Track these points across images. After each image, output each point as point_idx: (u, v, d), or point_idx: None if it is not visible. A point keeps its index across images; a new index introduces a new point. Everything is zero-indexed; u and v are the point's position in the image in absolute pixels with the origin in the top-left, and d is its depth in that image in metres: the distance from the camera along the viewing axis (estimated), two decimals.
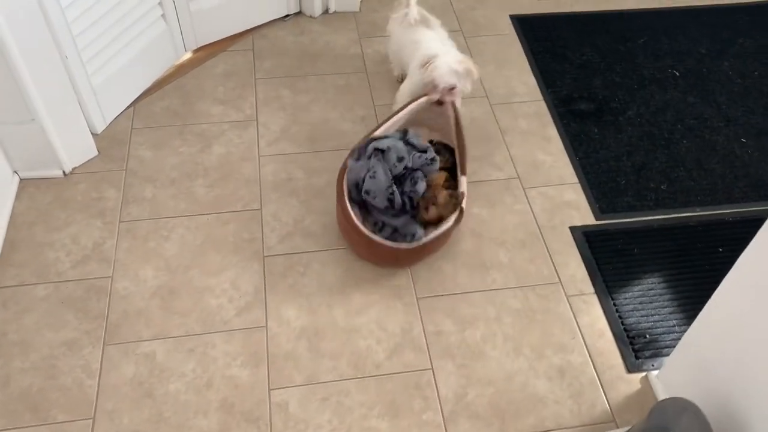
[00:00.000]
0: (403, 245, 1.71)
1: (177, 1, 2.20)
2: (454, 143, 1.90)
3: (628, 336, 1.68)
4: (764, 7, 2.66)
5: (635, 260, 1.84)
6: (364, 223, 1.74)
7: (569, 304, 1.74)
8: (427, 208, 1.76)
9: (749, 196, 2.00)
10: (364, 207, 1.79)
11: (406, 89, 2.05)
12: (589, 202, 1.98)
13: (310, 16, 2.56)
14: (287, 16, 2.55)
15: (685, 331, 1.68)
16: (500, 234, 1.89)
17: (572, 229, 1.91)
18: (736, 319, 1.30)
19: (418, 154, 1.80)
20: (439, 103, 1.94)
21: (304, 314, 1.69)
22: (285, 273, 1.77)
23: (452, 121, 1.92)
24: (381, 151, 1.77)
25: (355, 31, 2.52)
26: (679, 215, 1.95)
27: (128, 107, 2.18)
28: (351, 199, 1.76)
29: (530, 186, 2.02)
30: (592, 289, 1.77)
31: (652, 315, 1.72)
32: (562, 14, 2.61)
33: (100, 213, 1.89)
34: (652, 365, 1.63)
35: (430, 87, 1.92)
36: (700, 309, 1.72)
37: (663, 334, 1.68)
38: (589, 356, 1.65)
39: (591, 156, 2.10)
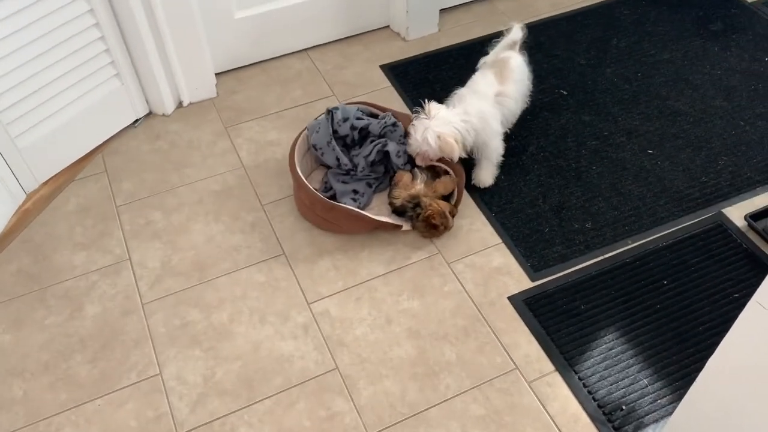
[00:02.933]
0: (336, 204, 1.84)
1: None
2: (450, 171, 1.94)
3: (604, 413, 1.52)
4: (623, 2, 2.62)
5: (585, 318, 1.69)
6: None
7: (533, 393, 1.56)
8: (393, 192, 1.88)
9: (674, 212, 1.91)
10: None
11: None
12: (520, 263, 1.81)
13: (163, 115, 2.26)
14: (137, 120, 2.23)
15: (657, 390, 1.55)
16: (439, 326, 1.69)
17: (511, 299, 1.74)
18: (724, 406, 1.16)
19: (375, 120, 1.98)
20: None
21: None
22: None
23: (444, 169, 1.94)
24: (330, 113, 1.96)
25: (218, 121, 2.24)
26: (613, 253, 1.83)
27: None
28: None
29: (454, 259, 1.83)
30: (551, 367, 1.61)
31: (621, 379, 1.57)
32: (432, 53, 2.45)
33: None
34: None
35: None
36: (664, 358, 1.60)
37: (638, 399, 1.53)
38: None
39: (506, 208, 1.94)
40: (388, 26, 2.57)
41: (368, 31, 2.54)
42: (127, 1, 1.95)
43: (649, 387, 1.56)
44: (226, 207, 1.98)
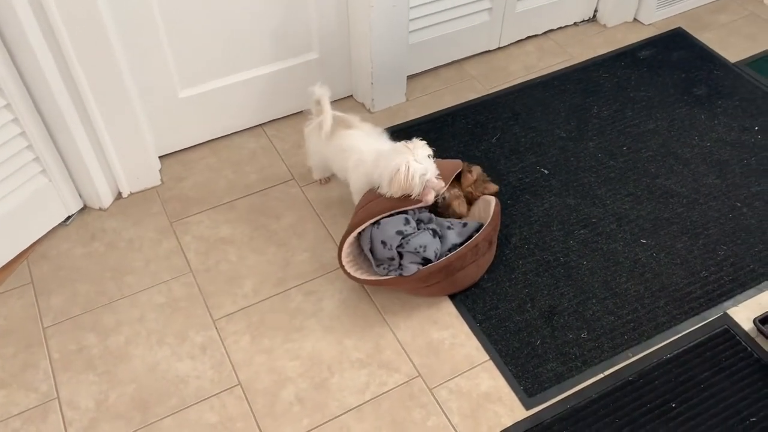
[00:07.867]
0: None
1: None
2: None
3: None
4: (601, 65, 2.46)
5: None
6: None
7: None
8: (449, 204, 1.82)
9: (675, 315, 1.73)
10: None
11: (357, 189, 1.84)
12: (511, 385, 1.60)
13: (100, 209, 1.99)
14: (69, 218, 1.96)
15: None
16: None
17: None
18: None
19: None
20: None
21: None
22: None
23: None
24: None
25: (162, 215, 1.98)
26: (613, 369, 1.63)
27: None
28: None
29: (437, 383, 1.61)
30: None
31: None
32: (400, 126, 2.23)
33: None
34: None
35: (421, 192, 1.69)
36: None
37: None
38: None
39: (491, 315, 1.73)
40: (351, 96, 2.35)
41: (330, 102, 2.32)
42: (50, 91, 1.70)
43: None
44: (172, 325, 1.72)
